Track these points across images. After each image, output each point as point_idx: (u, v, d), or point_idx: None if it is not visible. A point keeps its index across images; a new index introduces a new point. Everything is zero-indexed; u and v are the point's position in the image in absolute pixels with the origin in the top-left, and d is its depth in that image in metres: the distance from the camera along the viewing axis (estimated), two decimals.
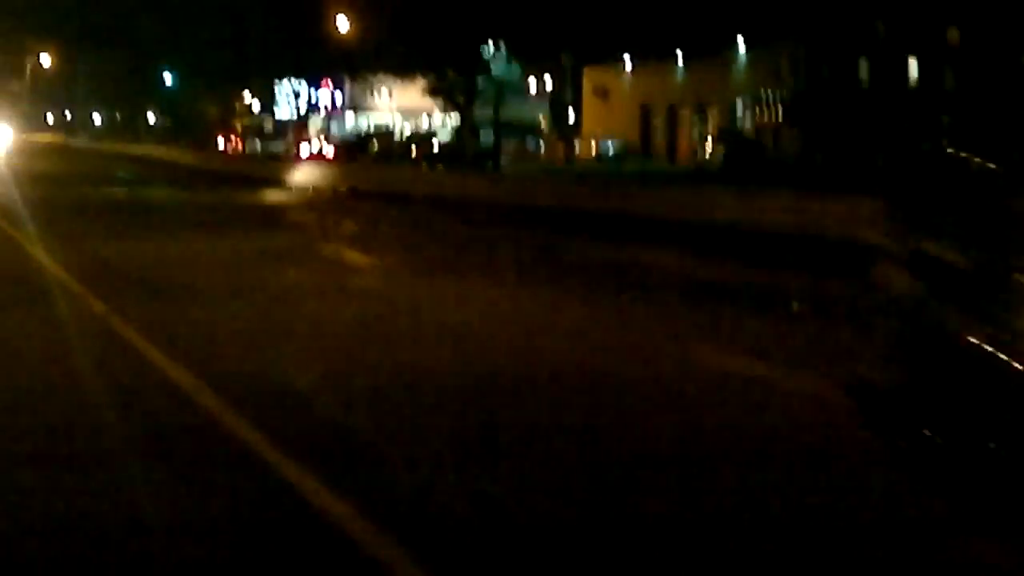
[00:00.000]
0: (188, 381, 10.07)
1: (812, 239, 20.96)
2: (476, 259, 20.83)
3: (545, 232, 25.60)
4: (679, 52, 78.69)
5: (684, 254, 20.77)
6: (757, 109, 69.38)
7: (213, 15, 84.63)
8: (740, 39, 73.02)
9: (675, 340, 12.43)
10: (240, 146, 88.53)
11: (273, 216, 32.28)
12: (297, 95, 77.13)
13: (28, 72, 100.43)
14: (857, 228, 20.03)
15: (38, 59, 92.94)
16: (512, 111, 68.09)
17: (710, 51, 75.40)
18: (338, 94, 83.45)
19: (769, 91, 66.93)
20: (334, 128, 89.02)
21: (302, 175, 45.63)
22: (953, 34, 68.70)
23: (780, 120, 66.00)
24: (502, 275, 18.31)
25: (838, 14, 61.67)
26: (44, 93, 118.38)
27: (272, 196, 41.07)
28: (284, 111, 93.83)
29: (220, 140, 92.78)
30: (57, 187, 41.46)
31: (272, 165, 54.25)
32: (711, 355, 11.43)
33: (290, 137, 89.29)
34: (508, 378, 10.54)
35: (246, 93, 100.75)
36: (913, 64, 70.50)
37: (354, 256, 21.06)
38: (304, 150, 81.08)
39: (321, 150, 79.40)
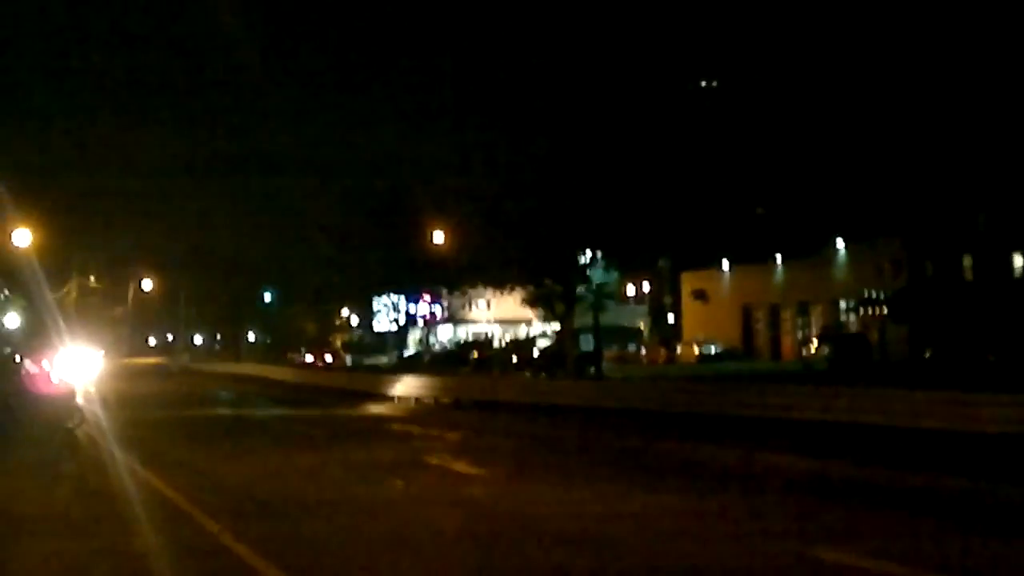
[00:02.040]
0: None
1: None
2: (588, 468, 20.34)
3: (670, 438, 24.93)
4: (777, 253, 78.70)
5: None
6: (861, 307, 68.66)
7: (312, 235, 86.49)
8: (839, 238, 72.84)
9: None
10: (335, 360, 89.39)
11: (378, 429, 32.03)
12: (396, 309, 77.93)
13: (130, 297, 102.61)
14: None
15: (139, 284, 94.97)
16: (611, 316, 68.04)
17: (809, 251, 75.27)
18: (436, 307, 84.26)
19: (872, 289, 66.30)
20: (432, 339, 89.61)
21: (403, 387, 45.51)
22: None
23: (885, 317, 65.14)
24: (617, 482, 17.85)
25: (938, 210, 61.23)
26: (144, 317, 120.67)
27: (375, 409, 40.99)
28: (382, 324, 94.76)
29: (310, 356, 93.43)
30: (162, 409, 41.49)
31: (372, 378, 54.27)
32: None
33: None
34: None
35: (344, 309, 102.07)
36: (1018, 258, 69.62)
37: (461, 468, 20.63)
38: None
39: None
